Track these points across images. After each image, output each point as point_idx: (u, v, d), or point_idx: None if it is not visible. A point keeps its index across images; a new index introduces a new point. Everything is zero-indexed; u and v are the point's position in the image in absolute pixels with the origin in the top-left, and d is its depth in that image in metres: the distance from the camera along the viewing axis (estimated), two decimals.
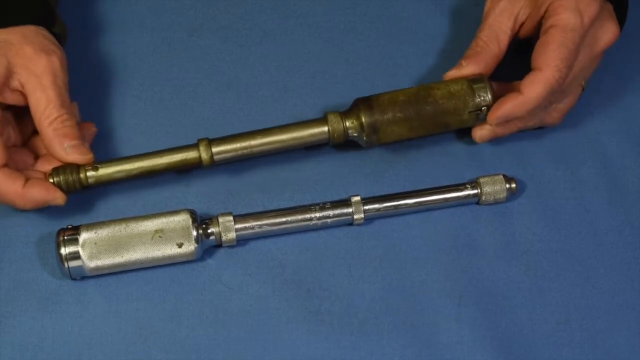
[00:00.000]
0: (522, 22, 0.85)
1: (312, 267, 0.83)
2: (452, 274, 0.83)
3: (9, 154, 0.79)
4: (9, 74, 0.79)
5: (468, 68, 0.84)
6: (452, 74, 0.85)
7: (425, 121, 0.84)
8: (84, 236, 0.79)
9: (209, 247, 0.83)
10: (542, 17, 0.83)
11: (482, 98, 0.84)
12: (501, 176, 0.85)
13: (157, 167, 0.83)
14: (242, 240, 0.83)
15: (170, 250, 0.80)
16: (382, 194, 0.85)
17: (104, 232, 0.80)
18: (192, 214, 0.81)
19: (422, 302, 0.82)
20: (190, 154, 0.83)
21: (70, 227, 0.80)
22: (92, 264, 0.79)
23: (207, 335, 0.81)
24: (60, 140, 0.80)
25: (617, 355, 0.81)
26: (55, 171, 0.81)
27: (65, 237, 0.79)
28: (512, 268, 0.84)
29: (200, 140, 0.84)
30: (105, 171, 0.82)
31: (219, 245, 0.82)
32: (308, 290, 0.82)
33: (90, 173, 0.82)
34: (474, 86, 0.84)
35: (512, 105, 0.82)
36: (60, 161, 0.81)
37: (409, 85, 0.90)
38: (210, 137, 0.85)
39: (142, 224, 0.80)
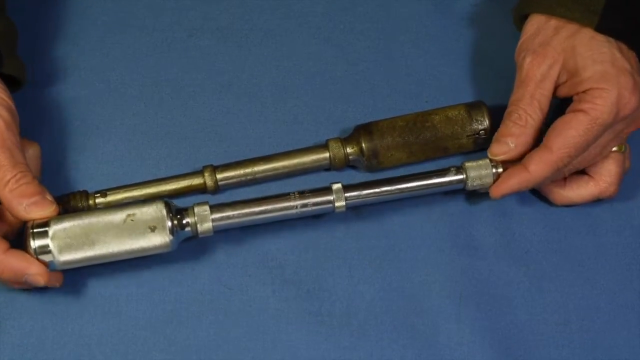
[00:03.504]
0: (559, 85, 0.81)
1: (312, 267, 0.83)
2: (452, 274, 0.83)
3: None
4: None
5: (517, 149, 0.81)
6: (503, 157, 0.81)
7: (425, 146, 0.85)
8: (54, 229, 0.76)
9: (186, 239, 0.81)
10: (578, 93, 0.79)
11: (479, 123, 0.85)
12: (487, 160, 0.82)
13: (163, 193, 0.85)
14: (219, 232, 0.80)
15: (143, 237, 0.76)
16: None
17: (74, 224, 0.76)
18: (167, 204, 0.78)
19: (422, 303, 0.82)
20: (195, 181, 0.85)
21: (38, 220, 0.77)
22: (62, 257, 0.76)
23: (207, 335, 0.81)
24: (18, 200, 0.76)
25: (617, 355, 0.81)
26: (66, 198, 0.83)
27: (34, 230, 0.76)
28: (512, 268, 0.84)
29: (205, 167, 0.85)
30: (114, 198, 0.84)
31: (195, 236, 0.80)
32: (308, 290, 0.83)
33: (99, 200, 0.84)
34: (472, 112, 0.85)
35: (517, 182, 0.80)
36: (24, 221, 0.77)
37: (408, 86, 0.90)
38: (211, 138, 0.87)
39: (113, 214, 0.77)
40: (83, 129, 0.88)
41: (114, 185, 0.85)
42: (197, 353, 0.80)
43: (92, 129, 0.88)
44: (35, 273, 0.76)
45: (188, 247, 0.83)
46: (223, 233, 0.82)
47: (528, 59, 0.81)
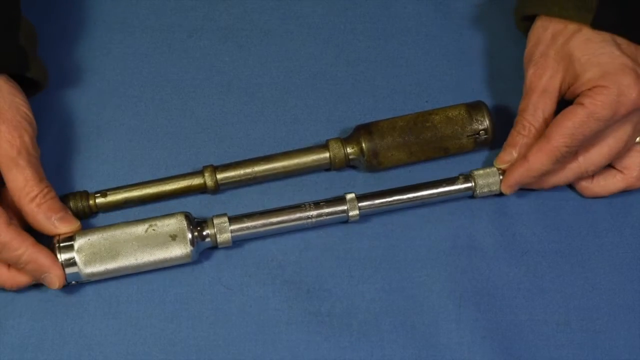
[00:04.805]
0: (564, 92, 0.83)
1: (312, 267, 0.83)
2: (452, 275, 0.83)
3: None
4: None
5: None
6: (506, 166, 0.84)
7: (425, 146, 0.85)
8: (79, 242, 0.79)
9: (205, 249, 0.83)
10: (582, 92, 0.80)
11: (479, 123, 0.85)
12: (494, 168, 0.84)
13: (164, 193, 0.85)
14: (238, 241, 0.83)
15: (164, 247, 0.79)
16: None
17: (98, 237, 0.79)
18: (187, 216, 0.81)
19: (422, 303, 0.82)
20: (196, 181, 0.85)
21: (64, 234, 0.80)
22: (87, 269, 0.79)
23: (207, 335, 0.81)
24: (46, 214, 0.79)
25: (617, 355, 0.81)
26: (66, 198, 0.83)
27: (61, 244, 0.79)
28: (512, 268, 0.84)
29: (205, 167, 0.85)
30: (114, 198, 0.84)
31: (214, 247, 0.82)
32: (308, 290, 0.83)
33: (99, 200, 0.84)
34: (472, 112, 0.86)
35: (519, 173, 0.82)
36: (49, 235, 0.80)
37: (408, 86, 0.90)
38: (211, 138, 0.88)
39: (135, 225, 0.80)
40: (83, 129, 0.88)
41: (114, 185, 0.85)
42: (197, 353, 0.80)
43: (92, 129, 0.88)
44: (56, 275, 0.79)
45: None
46: None
47: (530, 70, 0.83)
